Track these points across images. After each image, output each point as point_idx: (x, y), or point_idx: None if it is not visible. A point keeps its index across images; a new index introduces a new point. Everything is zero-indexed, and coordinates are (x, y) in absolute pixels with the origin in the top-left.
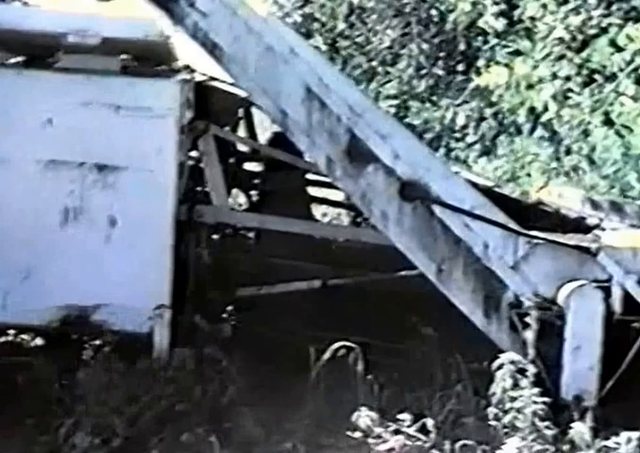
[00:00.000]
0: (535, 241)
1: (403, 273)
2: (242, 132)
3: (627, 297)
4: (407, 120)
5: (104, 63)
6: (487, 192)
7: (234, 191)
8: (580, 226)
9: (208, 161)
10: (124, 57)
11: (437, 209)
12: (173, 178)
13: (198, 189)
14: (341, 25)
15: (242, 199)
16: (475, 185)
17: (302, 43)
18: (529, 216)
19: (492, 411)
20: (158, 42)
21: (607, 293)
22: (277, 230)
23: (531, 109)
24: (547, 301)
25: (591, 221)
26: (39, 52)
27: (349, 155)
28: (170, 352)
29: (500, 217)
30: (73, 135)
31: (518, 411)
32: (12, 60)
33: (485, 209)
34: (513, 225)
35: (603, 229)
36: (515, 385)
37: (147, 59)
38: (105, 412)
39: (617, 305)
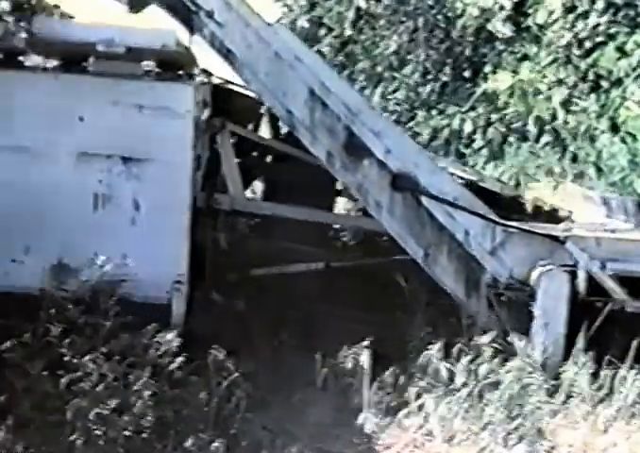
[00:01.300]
0: (511, 229)
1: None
2: (265, 128)
3: (591, 280)
4: (413, 126)
5: (129, 68)
6: (471, 186)
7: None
8: (552, 217)
9: (225, 155)
10: (149, 63)
11: (424, 200)
12: (189, 169)
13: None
14: (348, 31)
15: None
16: (461, 178)
17: (306, 51)
18: (508, 207)
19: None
20: (176, 51)
21: (573, 276)
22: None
23: (538, 115)
24: (521, 282)
25: (562, 213)
26: (74, 58)
27: (347, 150)
28: (185, 321)
29: (480, 208)
30: (101, 131)
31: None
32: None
33: (467, 200)
34: (491, 215)
35: (573, 221)
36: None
37: (169, 65)
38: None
39: (582, 287)
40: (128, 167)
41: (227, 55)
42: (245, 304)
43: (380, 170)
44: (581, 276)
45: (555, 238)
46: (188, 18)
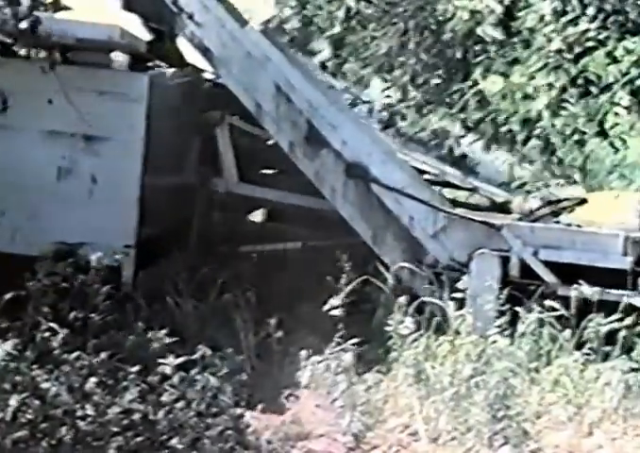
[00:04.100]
0: (452, 216)
1: None
2: None
3: (527, 266)
4: (403, 128)
5: (97, 59)
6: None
7: None
8: (505, 206)
9: (222, 145)
10: (124, 56)
11: (374, 187)
12: (140, 149)
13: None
14: (339, 30)
15: None
16: (422, 171)
17: (274, 51)
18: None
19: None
20: (124, 43)
21: (506, 260)
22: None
23: (526, 119)
24: (460, 264)
25: (517, 203)
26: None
27: (307, 140)
28: (134, 281)
29: (426, 196)
30: (67, 112)
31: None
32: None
33: (414, 189)
34: (435, 202)
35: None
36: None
37: (140, 58)
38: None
39: (515, 270)
40: (89, 145)
41: (204, 52)
42: (228, 276)
43: (336, 159)
44: (514, 260)
45: (492, 225)
46: (171, 19)
